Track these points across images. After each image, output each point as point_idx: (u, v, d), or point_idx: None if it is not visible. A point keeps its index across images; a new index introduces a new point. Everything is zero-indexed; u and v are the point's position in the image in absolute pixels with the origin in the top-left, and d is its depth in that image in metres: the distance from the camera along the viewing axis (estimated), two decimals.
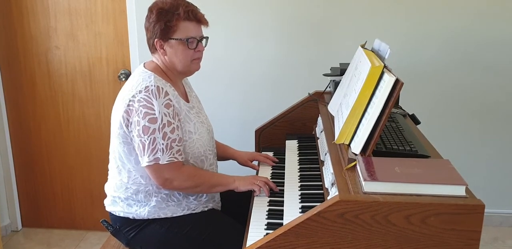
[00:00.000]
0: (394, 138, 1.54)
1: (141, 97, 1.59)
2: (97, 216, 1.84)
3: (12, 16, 2.71)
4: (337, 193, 1.27)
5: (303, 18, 2.66)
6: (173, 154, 1.61)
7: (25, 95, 2.84)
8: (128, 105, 1.61)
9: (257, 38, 2.70)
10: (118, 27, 2.69)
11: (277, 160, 2.03)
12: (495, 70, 2.67)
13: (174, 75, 1.74)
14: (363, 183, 1.20)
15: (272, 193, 1.73)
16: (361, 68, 1.58)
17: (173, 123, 1.61)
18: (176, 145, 1.62)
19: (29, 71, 2.80)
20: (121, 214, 1.75)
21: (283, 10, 2.65)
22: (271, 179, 1.84)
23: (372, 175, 1.21)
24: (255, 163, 2.07)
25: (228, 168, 2.08)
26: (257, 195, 1.73)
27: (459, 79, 2.69)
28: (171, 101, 1.62)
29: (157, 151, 1.59)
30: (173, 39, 1.66)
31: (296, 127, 2.25)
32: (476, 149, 2.82)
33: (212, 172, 1.83)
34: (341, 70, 2.07)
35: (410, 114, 1.96)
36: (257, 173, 1.98)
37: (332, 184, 1.43)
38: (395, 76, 1.33)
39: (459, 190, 1.17)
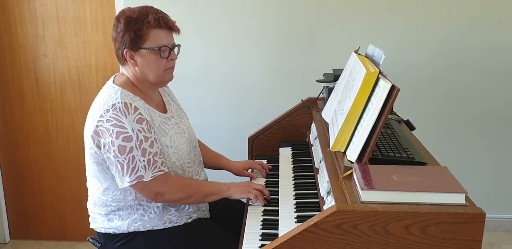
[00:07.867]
0: (390, 144, 1.52)
1: (109, 117, 1.51)
2: (88, 226, 1.80)
3: None
4: (333, 202, 1.24)
5: (295, 24, 2.64)
6: (158, 168, 1.56)
7: (12, 104, 2.78)
8: (97, 126, 1.53)
9: (249, 44, 2.68)
10: (107, 34, 2.66)
11: (271, 167, 2.01)
12: (490, 74, 2.67)
13: (146, 87, 1.66)
14: (361, 192, 1.17)
15: (266, 202, 1.70)
16: (355, 74, 1.56)
17: (150, 137, 1.55)
18: (159, 157, 1.56)
19: (17, 79, 2.75)
20: (102, 231, 1.70)
21: (275, 15, 2.63)
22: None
23: (369, 184, 1.18)
24: (250, 171, 2.04)
25: (222, 175, 2.04)
26: (251, 204, 1.69)
27: (453, 84, 2.69)
28: (142, 115, 1.55)
29: (138, 169, 1.52)
30: (144, 48, 1.58)
31: (289, 134, 2.22)
32: (470, 154, 2.81)
33: (203, 181, 1.79)
34: (335, 76, 2.05)
35: (404, 119, 1.95)
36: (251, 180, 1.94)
37: (328, 193, 1.40)
38: (390, 82, 1.31)
39: (459, 198, 1.15)
